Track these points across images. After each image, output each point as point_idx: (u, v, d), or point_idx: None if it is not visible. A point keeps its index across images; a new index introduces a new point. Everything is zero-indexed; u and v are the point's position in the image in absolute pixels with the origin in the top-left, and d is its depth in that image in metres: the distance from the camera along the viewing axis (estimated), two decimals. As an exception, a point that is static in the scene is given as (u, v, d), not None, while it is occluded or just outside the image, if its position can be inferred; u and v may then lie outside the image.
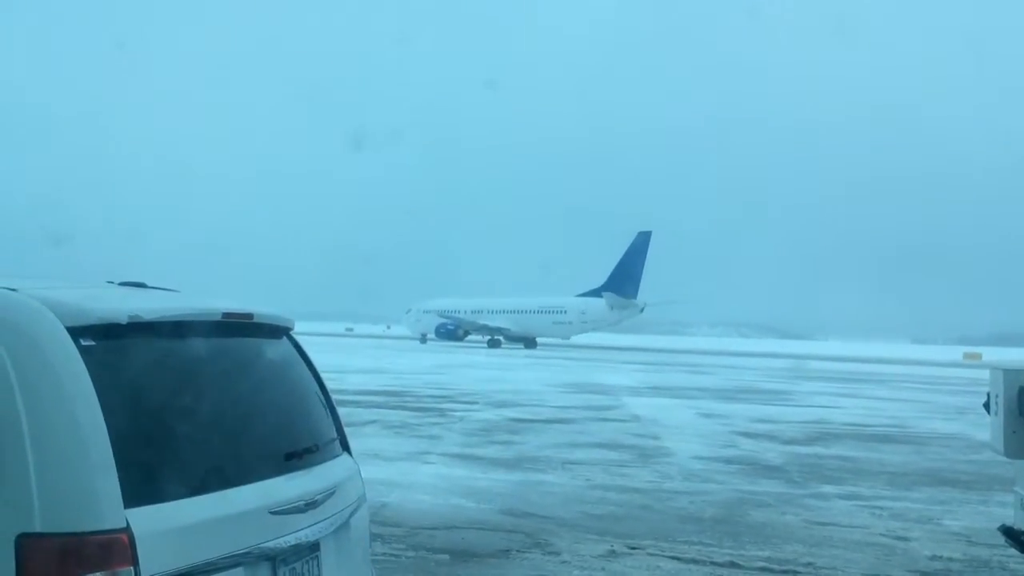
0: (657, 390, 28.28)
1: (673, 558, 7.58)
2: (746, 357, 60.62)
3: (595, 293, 65.42)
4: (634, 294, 64.17)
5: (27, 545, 2.32)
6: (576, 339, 68.16)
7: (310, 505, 3.17)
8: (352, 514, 3.56)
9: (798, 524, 9.04)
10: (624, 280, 63.68)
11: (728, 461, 13.25)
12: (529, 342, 63.74)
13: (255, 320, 3.36)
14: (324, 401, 3.81)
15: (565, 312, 64.35)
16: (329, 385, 3.93)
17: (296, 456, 3.32)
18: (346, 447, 3.86)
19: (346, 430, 3.93)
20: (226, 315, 3.19)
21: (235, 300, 3.37)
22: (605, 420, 18.56)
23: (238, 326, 3.31)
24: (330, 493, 3.35)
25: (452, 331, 66.20)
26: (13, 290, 2.69)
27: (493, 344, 63.59)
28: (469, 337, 67.24)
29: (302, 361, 3.76)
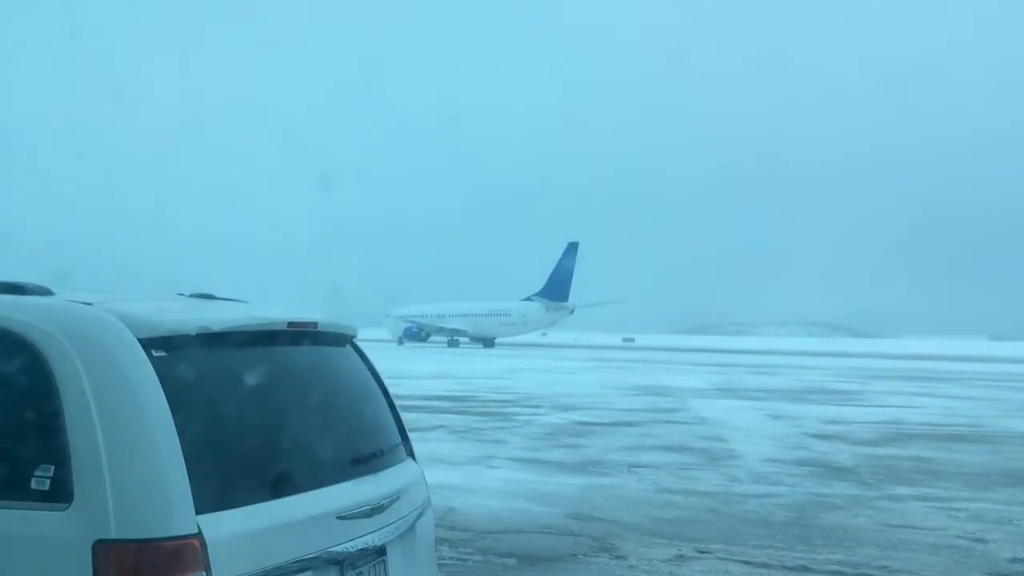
0: (723, 392, 27.95)
1: (743, 562, 7.48)
2: (815, 357, 59.53)
3: (536, 296, 75.39)
4: (565, 297, 74.10)
5: (103, 552, 2.40)
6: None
7: (376, 510, 3.22)
8: (418, 518, 3.60)
9: (871, 527, 8.84)
10: (558, 285, 73.86)
11: (798, 463, 13.03)
12: (488, 342, 71.67)
13: (319, 329, 3.42)
14: (388, 407, 3.86)
15: (509, 315, 73.58)
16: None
17: (362, 462, 3.37)
18: (411, 452, 3.91)
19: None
20: (291, 324, 3.26)
21: (299, 310, 3.44)
22: (671, 423, 18.40)
23: (303, 335, 3.38)
24: (395, 498, 3.39)
25: (416, 333, 75.50)
26: (88, 304, 2.79)
27: (452, 344, 71.75)
28: (431, 338, 75.50)
29: (366, 368, 3.82)
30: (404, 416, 3.99)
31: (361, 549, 3.11)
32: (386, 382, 3.95)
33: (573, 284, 74.33)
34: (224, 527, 2.58)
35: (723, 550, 7.84)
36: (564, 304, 74.03)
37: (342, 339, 3.72)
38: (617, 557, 7.57)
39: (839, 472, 12.30)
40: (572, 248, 74.19)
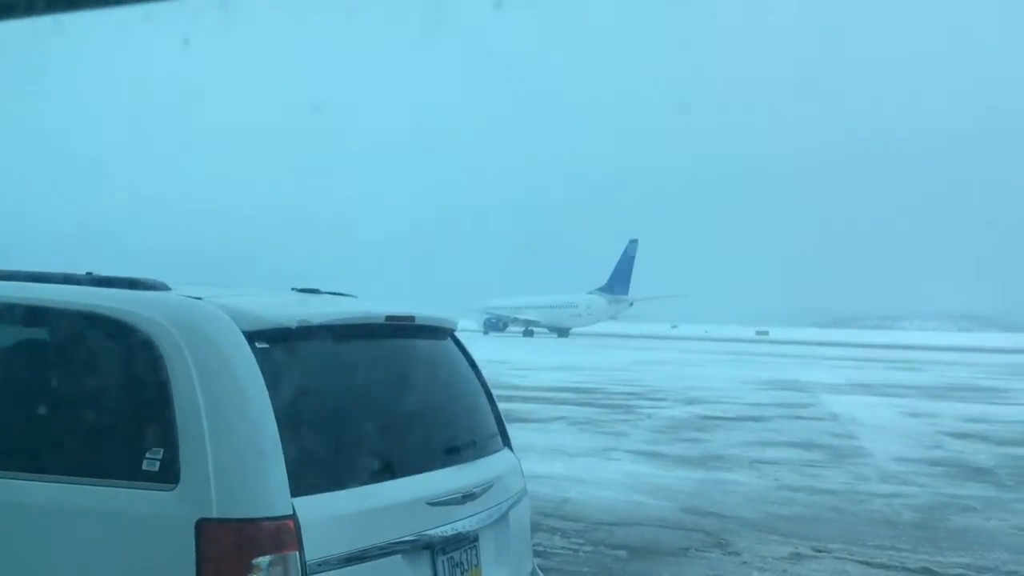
0: (859, 387, 26.96)
1: (862, 563, 7.28)
2: (961, 352, 56.56)
3: (600, 290, 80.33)
4: (625, 291, 78.94)
5: (206, 530, 2.60)
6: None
7: (468, 497, 3.34)
8: (511, 507, 3.71)
9: (1005, 530, 8.43)
10: (619, 279, 79.02)
11: (932, 463, 12.50)
12: (563, 332, 76.45)
13: (417, 322, 3.57)
14: (486, 398, 3.98)
15: (576, 307, 78.21)
16: None
17: (456, 451, 3.51)
18: (507, 442, 4.02)
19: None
20: (389, 318, 3.42)
21: (400, 304, 3.60)
22: (799, 419, 17.93)
23: (402, 328, 3.53)
24: (488, 486, 3.51)
25: (495, 324, 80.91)
26: (198, 298, 3.02)
27: (527, 334, 76.68)
28: (508, 328, 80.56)
29: (464, 360, 3.94)
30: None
31: (453, 535, 3.24)
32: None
33: (632, 278, 79.59)
34: (317, 509, 2.75)
35: (842, 550, 7.65)
36: (625, 297, 79.30)
37: (442, 332, 3.86)
38: (730, 553, 7.50)
39: (975, 473, 11.74)
40: (632, 245, 79.38)
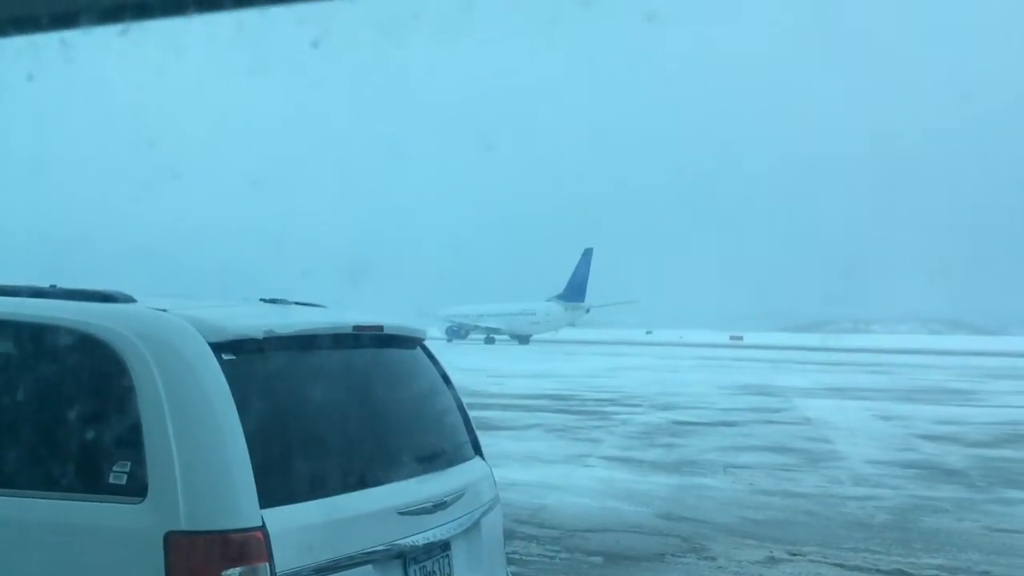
0: (831, 391, 27.15)
1: (836, 565, 7.32)
2: (931, 355, 57.18)
3: (557, 298, 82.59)
4: (581, 298, 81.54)
5: (174, 542, 2.57)
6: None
7: (438, 506, 3.32)
8: (483, 515, 3.69)
9: (977, 531, 8.51)
10: (575, 288, 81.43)
11: (904, 465, 12.61)
12: (523, 339, 78.45)
13: (385, 332, 3.54)
14: (456, 407, 3.95)
15: (535, 314, 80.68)
16: None
17: (426, 459, 3.48)
18: (478, 450, 3.99)
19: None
20: (357, 328, 3.39)
21: (366, 314, 3.57)
22: (772, 423, 18.03)
23: (369, 338, 3.50)
24: (459, 495, 3.48)
25: (456, 331, 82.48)
26: (164, 310, 2.98)
27: (489, 341, 78.55)
28: (470, 336, 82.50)
29: (434, 369, 3.92)
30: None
31: (424, 544, 3.21)
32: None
33: (589, 285, 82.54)
34: (287, 520, 2.72)
35: (817, 552, 7.69)
36: (581, 304, 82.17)
37: (411, 341, 3.84)
38: (706, 558, 7.51)
39: (947, 475, 11.86)
40: (587, 254, 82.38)
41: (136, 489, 2.63)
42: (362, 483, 3.08)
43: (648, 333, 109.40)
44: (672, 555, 7.59)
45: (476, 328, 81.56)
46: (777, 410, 20.67)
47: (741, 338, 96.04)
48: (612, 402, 22.27)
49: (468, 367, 30.59)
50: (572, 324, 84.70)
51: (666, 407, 20.97)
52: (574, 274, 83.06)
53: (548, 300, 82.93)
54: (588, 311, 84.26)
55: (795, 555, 7.61)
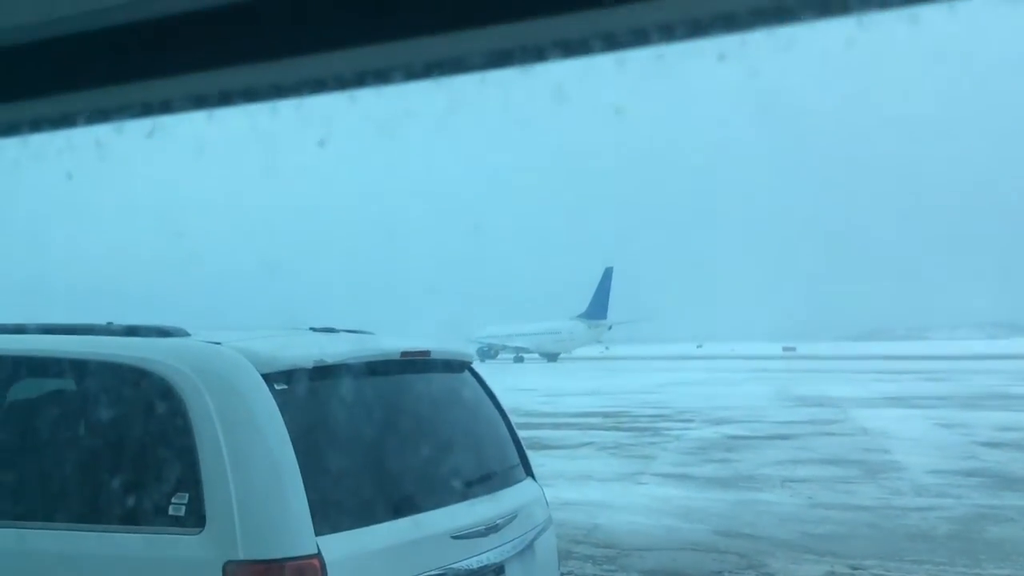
0: (889, 400, 26.63)
1: (899, 579, 7.19)
2: (990, 360, 55.84)
3: (580, 316, 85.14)
4: (603, 316, 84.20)
5: (233, 572, 2.63)
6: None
7: (491, 529, 3.35)
8: (536, 537, 3.71)
9: (1045, 541, 8.29)
10: (598, 305, 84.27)
11: (967, 474, 12.32)
12: (552, 356, 79.68)
13: (433, 356, 3.60)
14: (506, 429, 3.99)
15: (560, 333, 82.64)
16: None
17: (478, 483, 3.52)
18: (530, 472, 4.02)
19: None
20: (404, 354, 3.45)
21: (413, 339, 3.63)
22: (830, 435, 17.74)
23: (418, 363, 3.56)
24: (512, 517, 3.51)
25: (487, 352, 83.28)
26: (217, 343, 3.06)
27: (518, 360, 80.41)
28: (499, 356, 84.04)
29: (483, 392, 3.96)
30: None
31: (479, 567, 3.24)
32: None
33: (611, 302, 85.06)
34: (342, 548, 2.78)
35: (878, 566, 7.55)
36: (603, 322, 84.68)
37: (458, 365, 3.89)
38: (764, 574, 7.42)
39: (1012, 483, 11.56)
40: (608, 273, 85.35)
41: (195, 520, 2.70)
42: (415, 508, 3.13)
43: (699, 347, 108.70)
44: (730, 572, 7.51)
45: (505, 348, 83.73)
46: (833, 421, 20.33)
47: (794, 349, 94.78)
48: (664, 418, 22.08)
49: (518, 387, 30.56)
50: (597, 341, 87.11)
51: (719, 421, 20.74)
52: (596, 293, 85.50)
53: (572, 319, 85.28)
54: (610, 328, 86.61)
55: (856, 569, 7.49)
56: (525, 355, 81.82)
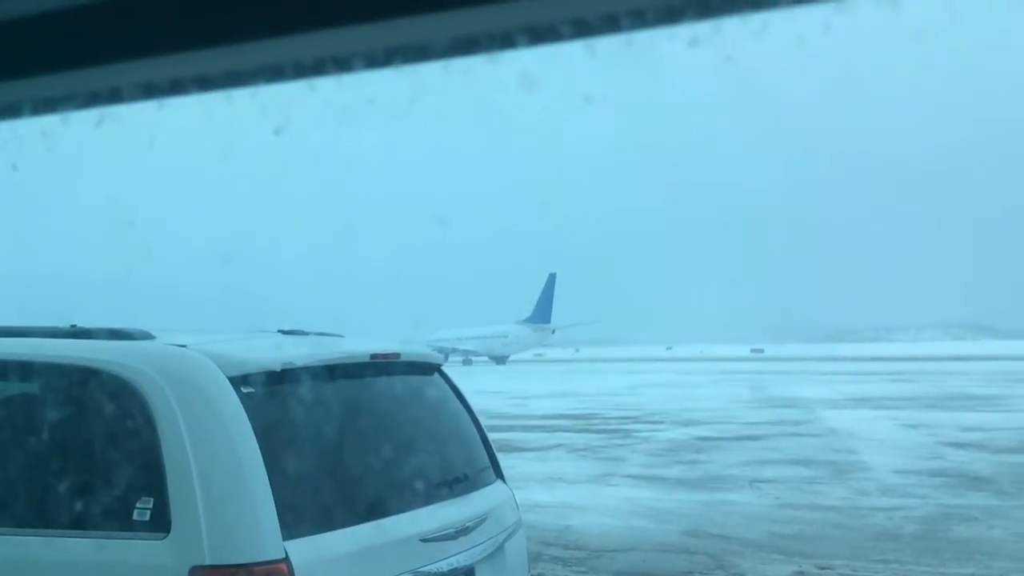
0: (856, 401, 26.91)
1: (866, 578, 7.24)
2: (955, 361, 56.67)
3: (525, 321, 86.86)
4: (547, 320, 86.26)
5: None
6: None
7: (461, 532, 3.31)
8: (507, 539, 3.68)
9: (1008, 538, 8.40)
10: (542, 310, 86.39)
11: (931, 474, 12.46)
12: (500, 359, 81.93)
13: (403, 359, 3.56)
14: (476, 431, 3.95)
15: (507, 336, 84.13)
16: None
17: (447, 485, 3.48)
18: (500, 474, 3.99)
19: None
20: (374, 356, 3.40)
21: (385, 342, 3.58)
22: (796, 436, 17.87)
23: (388, 366, 3.52)
24: (482, 520, 3.48)
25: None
26: (183, 346, 3.00)
27: (466, 363, 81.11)
28: (450, 358, 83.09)
29: (453, 394, 3.92)
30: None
31: (448, 570, 3.20)
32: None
33: (554, 307, 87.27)
34: (310, 552, 2.73)
35: (845, 566, 7.60)
36: (547, 326, 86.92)
37: (428, 368, 3.85)
38: (733, 574, 7.44)
39: (975, 482, 11.71)
40: (552, 279, 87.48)
41: (160, 525, 2.65)
42: (384, 511, 3.08)
43: (668, 349, 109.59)
44: (699, 572, 7.52)
45: (455, 351, 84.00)
46: (801, 422, 20.49)
47: (762, 351, 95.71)
48: (634, 420, 22.13)
49: (487, 389, 30.54)
50: (542, 344, 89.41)
51: (688, 423, 20.83)
52: (540, 298, 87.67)
53: (516, 323, 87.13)
54: (554, 332, 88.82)
55: (824, 568, 7.53)
56: (474, 358, 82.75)
